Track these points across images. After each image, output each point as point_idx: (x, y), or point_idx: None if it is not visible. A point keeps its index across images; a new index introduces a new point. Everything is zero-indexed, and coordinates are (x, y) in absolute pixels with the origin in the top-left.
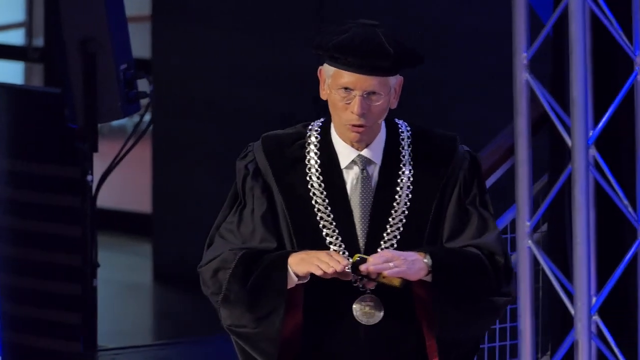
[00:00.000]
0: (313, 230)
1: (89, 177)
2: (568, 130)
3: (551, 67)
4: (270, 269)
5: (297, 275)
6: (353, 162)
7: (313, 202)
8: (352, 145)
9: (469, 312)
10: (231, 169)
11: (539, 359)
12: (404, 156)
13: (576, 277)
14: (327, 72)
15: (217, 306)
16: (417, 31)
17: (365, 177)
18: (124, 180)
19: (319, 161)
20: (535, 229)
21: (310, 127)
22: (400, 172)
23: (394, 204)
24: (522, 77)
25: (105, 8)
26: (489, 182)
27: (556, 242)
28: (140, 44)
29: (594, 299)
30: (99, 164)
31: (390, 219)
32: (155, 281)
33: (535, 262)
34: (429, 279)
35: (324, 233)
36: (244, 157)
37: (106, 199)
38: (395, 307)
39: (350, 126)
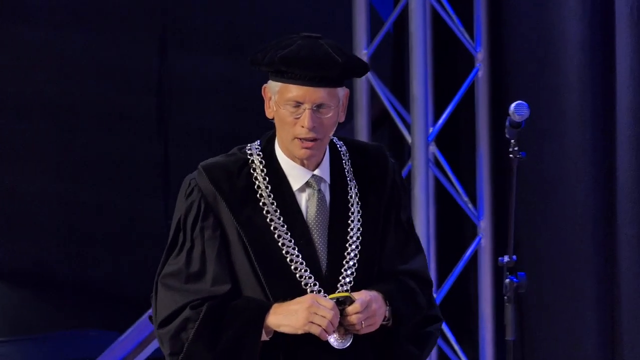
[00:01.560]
0: (277, 259)
1: None
2: (408, 127)
3: (391, 64)
4: (241, 336)
5: (273, 331)
6: (307, 183)
7: (272, 228)
8: (303, 164)
9: (421, 347)
10: (65, 168)
11: None
12: (347, 172)
13: None
14: (273, 88)
15: None
16: (255, 29)
17: (321, 198)
18: None
19: (269, 186)
20: None
21: (248, 150)
22: (348, 189)
23: (349, 221)
24: None
25: None
26: None
27: None
28: None
29: (434, 295)
30: None
31: (348, 237)
32: None
33: None
34: (384, 322)
35: (287, 260)
36: (189, 194)
37: None
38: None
39: (300, 141)
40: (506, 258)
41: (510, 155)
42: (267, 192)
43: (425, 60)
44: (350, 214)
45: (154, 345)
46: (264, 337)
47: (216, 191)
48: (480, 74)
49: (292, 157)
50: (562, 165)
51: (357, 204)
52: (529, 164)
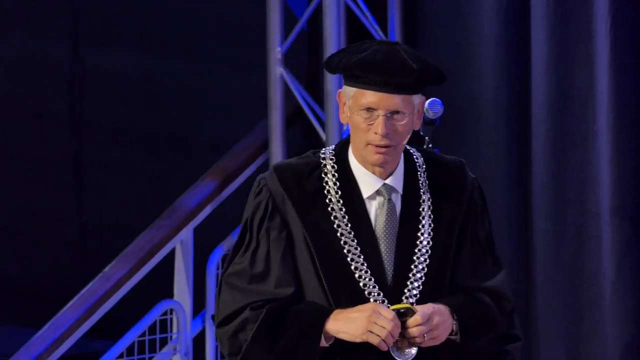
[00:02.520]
0: (341, 265)
1: None
2: (322, 124)
3: (306, 61)
4: (300, 338)
5: (333, 337)
6: (377, 192)
7: (339, 234)
8: (374, 173)
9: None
10: None
11: None
12: (422, 184)
13: None
14: (347, 93)
15: None
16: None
17: (391, 207)
18: None
19: (339, 192)
20: None
21: (322, 155)
22: (420, 201)
23: (418, 234)
24: (276, 71)
25: None
26: (242, 177)
27: None
28: None
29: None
30: None
31: (416, 250)
32: None
33: None
34: (453, 336)
35: (352, 267)
36: (257, 193)
37: None
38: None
39: (373, 147)
40: None
41: None
42: (336, 198)
43: None
44: (420, 226)
45: (70, 341)
46: (323, 342)
47: (284, 192)
48: None
49: (365, 164)
50: (478, 162)
51: (430, 217)
52: None
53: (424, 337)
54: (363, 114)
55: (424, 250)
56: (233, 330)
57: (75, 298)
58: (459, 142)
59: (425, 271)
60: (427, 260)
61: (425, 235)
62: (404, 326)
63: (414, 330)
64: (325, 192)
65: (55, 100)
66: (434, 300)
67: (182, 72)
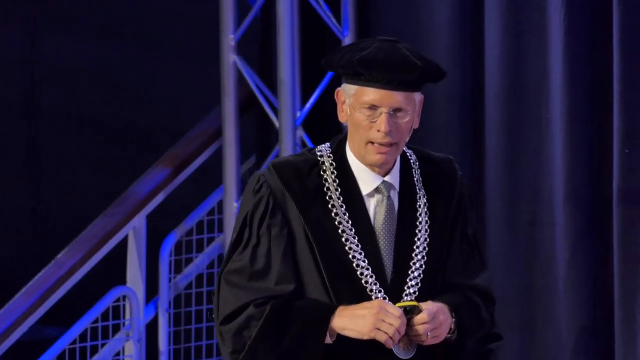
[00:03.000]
0: (343, 262)
1: None
2: (276, 111)
3: (259, 48)
4: (305, 335)
5: (337, 334)
6: (377, 189)
7: (340, 231)
8: (373, 170)
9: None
10: None
11: None
12: (417, 180)
13: None
14: (348, 91)
15: None
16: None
17: (390, 204)
18: None
19: (339, 189)
20: None
21: (319, 152)
22: (417, 198)
23: (416, 231)
24: (229, 58)
25: None
26: (196, 164)
27: None
28: None
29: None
30: None
31: (414, 247)
32: None
33: None
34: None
35: (354, 264)
36: (257, 189)
37: None
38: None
39: (375, 147)
40: None
41: None
42: (336, 195)
43: (293, 44)
44: (417, 223)
45: (23, 328)
46: (328, 339)
47: (285, 189)
48: None
49: (364, 161)
50: (430, 148)
51: (426, 213)
52: None
53: (428, 335)
54: (365, 112)
55: (421, 247)
56: (237, 327)
57: (28, 285)
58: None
59: (423, 268)
60: (425, 257)
61: (423, 232)
62: (409, 324)
63: (419, 328)
64: (325, 189)
65: (10, 87)
66: (431, 297)
67: (137, 59)
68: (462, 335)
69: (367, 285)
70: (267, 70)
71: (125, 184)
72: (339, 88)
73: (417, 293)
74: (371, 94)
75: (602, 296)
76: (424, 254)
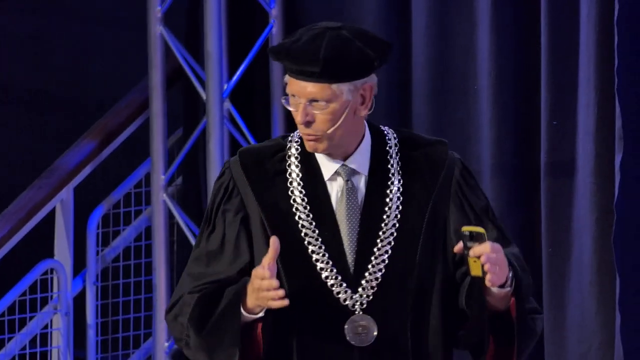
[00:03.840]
0: (297, 248)
1: None
2: (203, 83)
3: (186, 20)
4: (222, 315)
5: (254, 312)
6: (336, 173)
7: (296, 217)
8: (331, 155)
9: (531, 334)
10: None
11: None
12: (392, 165)
13: None
14: (286, 77)
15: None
16: None
17: (350, 189)
18: None
19: (300, 174)
20: (170, 182)
21: (290, 138)
22: (389, 183)
23: (384, 216)
24: (156, 30)
25: None
26: (123, 136)
27: (191, 195)
28: None
29: None
30: None
31: (380, 233)
32: None
33: (170, 216)
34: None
35: (309, 250)
36: (220, 176)
37: None
38: (388, 327)
39: (303, 134)
40: None
41: None
42: (297, 180)
43: (220, 17)
44: (387, 208)
45: None
46: (252, 315)
47: (243, 174)
48: (274, 30)
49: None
50: None
51: (398, 198)
52: None
53: (487, 266)
54: (290, 100)
55: (388, 233)
56: (173, 315)
57: None
58: None
59: (389, 254)
60: (392, 243)
61: (391, 218)
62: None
63: (482, 255)
64: (287, 174)
65: None
66: (399, 285)
67: (66, 31)
68: (519, 290)
69: (323, 272)
70: (194, 42)
71: (53, 156)
72: None
73: (379, 280)
74: (291, 83)
75: (529, 267)
76: (390, 239)
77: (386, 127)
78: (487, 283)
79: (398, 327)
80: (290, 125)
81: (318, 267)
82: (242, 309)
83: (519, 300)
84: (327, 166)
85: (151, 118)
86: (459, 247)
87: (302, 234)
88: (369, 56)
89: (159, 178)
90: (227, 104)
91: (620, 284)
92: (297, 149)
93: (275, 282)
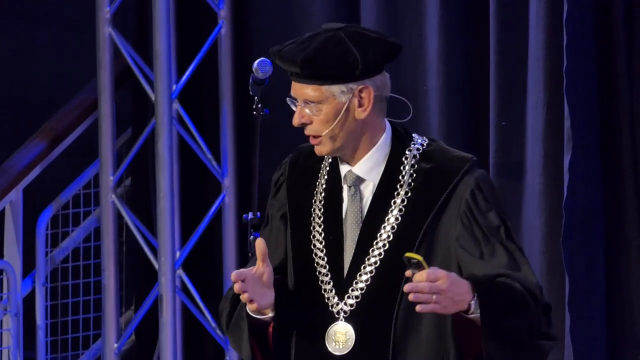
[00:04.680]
0: (305, 249)
1: None
2: (151, 84)
3: (135, 21)
4: (239, 315)
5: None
6: (344, 178)
7: (312, 219)
8: (342, 160)
9: (517, 356)
10: None
11: (123, 314)
12: (403, 176)
13: (160, 232)
14: None
15: None
16: None
17: (352, 196)
18: None
19: (326, 176)
20: (119, 183)
21: None
22: (395, 194)
23: (382, 227)
24: (105, 31)
25: None
26: (72, 137)
27: (140, 196)
28: None
29: (178, 253)
30: None
31: (374, 243)
32: None
33: (119, 217)
34: (475, 316)
35: (314, 253)
36: (277, 170)
37: None
38: (369, 337)
39: (309, 137)
40: (250, 215)
41: (254, 113)
42: (323, 181)
43: (168, 17)
44: (386, 219)
45: None
46: (260, 317)
47: (288, 170)
48: (223, 31)
49: None
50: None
51: (400, 211)
52: (273, 120)
53: (433, 297)
54: (294, 102)
55: (380, 245)
56: (220, 307)
57: None
58: (286, 102)
59: (377, 265)
60: (382, 255)
61: (388, 229)
62: (410, 280)
63: (417, 285)
64: (319, 174)
65: None
66: (387, 293)
67: (14, 32)
68: (491, 314)
69: (320, 276)
70: (143, 43)
71: (2, 158)
72: None
73: (364, 290)
74: (292, 85)
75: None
76: (382, 250)
77: (418, 136)
78: (417, 308)
79: (379, 338)
80: (240, 128)
81: (317, 271)
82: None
83: (485, 326)
84: (342, 170)
85: (100, 119)
86: (408, 272)
87: (311, 236)
88: (353, 59)
89: (108, 179)
90: (176, 105)
91: (569, 284)
92: None
93: (238, 286)
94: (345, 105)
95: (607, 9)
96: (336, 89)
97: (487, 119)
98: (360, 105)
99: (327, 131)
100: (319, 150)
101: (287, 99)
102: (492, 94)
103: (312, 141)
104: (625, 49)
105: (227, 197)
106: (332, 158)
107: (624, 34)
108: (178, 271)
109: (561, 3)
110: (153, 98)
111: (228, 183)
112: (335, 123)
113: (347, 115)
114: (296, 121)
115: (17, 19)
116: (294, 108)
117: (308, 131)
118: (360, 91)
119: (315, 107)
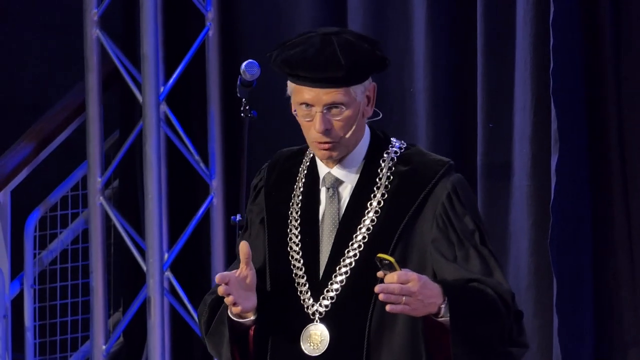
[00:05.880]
0: (282, 251)
1: None
2: (139, 86)
3: (122, 23)
4: (219, 320)
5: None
6: (323, 180)
7: (289, 222)
8: (322, 162)
9: None
10: None
11: (111, 316)
12: (380, 179)
13: (148, 233)
14: (289, 88)
15: None
16: None
17: (330, 197)
18: None
19: (304, 179)
20: (107, 185)
21: None
22: (371, 196)
23: (357, 229)
24: (93, 33)
25: None
26: (60, 139)
27: (128, 198)
28: None
29: (166, 255)
30: None
31: (349, 244)
32: None
33: (107, 219)
34: (444, 320)
35: (290, 255)
36: (257, 175)
37: None
38: (342, 338)
39: (317, 144)
40: (238, 217)
41: (242, 115)
42: (301, 184)
43: (156, 19)
44: (362, 220)
45: None
46: (241, 320)
47: (267, 175)
48: (210, 33)
49: (316, 155)
50: (292, 126)
51: (376, 212)
52: (260, 123)
53: (402, 298)
54: (303, 110)
55: (356, 245)
56: (199, 313)
57: None
58: (273, 105)
59: (352, 266)
60: (357, 256)
61: (363, 230)
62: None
63: (388, 287)
64: (297, 178)
65: None
66: (361, 295)
67: (0, 33)
68: (461, 319)
69: (296, 278)
70: (130, 45)
71: None
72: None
73: (339, 291)
74: (304, 92)
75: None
76: (357, 252)
77: (396, 140)
78: (387, 308)
79: (353, 339)
80: (228, 130)
81: (293, 273)
82: (230, 313)
83: (454, 330)
84: (321, 172)
85: (87, 121)
86: (380, 273)
87: (288, 238)
88: (381, 55)
89: (96, 181)
90: (164, 107)
91: (557, 287)
92: (310, 152)
93: (222, 289)
94: (361, 104)
95: (594, 10)
96: (358, 89)
97: (474, 121)
98: (367, 103)
99: (349, 134)
100: (330, 155)
101: (294, 110)
102: (479, 95)
103: (324, 147)
104: (612, 51)
105: (215, 199)
106: (311, 160)
107: (612, 35)
108: (166, 273)
109: (548, 5)
110: (141, 100)
111: (216, 185)
112: (355, 125)
113: (360, 114)
114: (321, 128)
115: (3, 21)
116: (303, 118)
117: (330, 137)
118: (369, 89)
119: (339, 110)
